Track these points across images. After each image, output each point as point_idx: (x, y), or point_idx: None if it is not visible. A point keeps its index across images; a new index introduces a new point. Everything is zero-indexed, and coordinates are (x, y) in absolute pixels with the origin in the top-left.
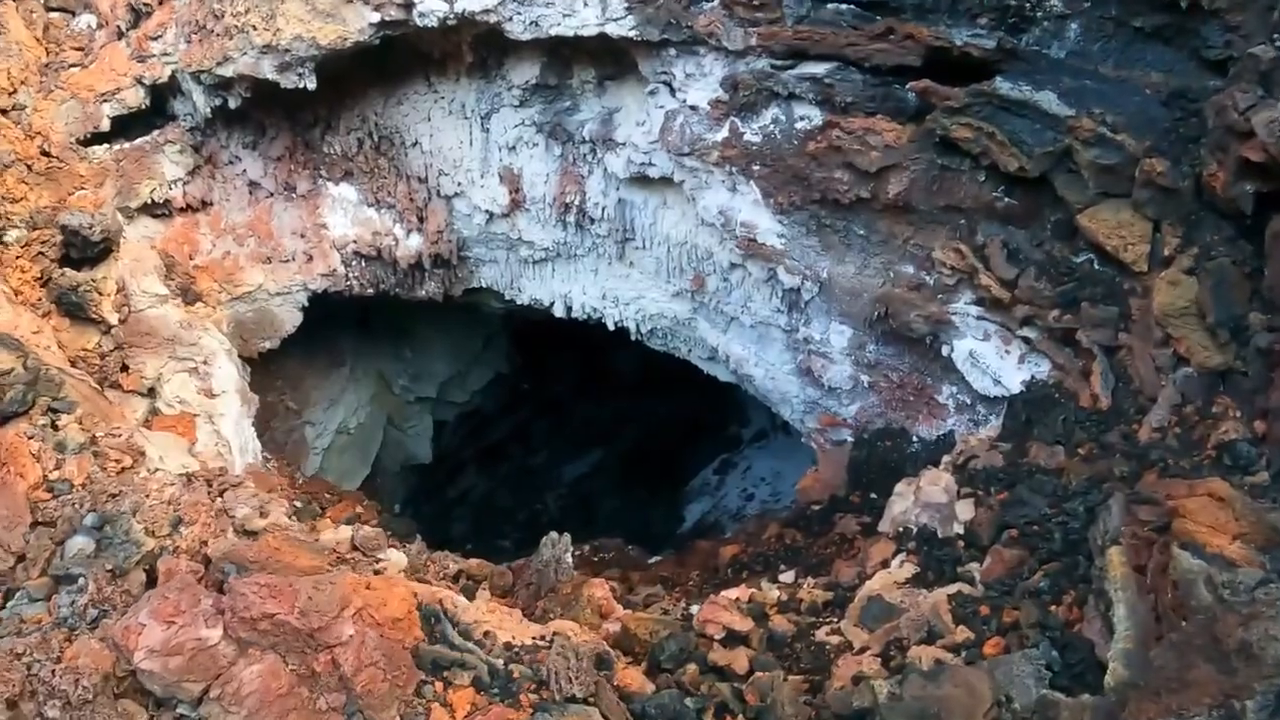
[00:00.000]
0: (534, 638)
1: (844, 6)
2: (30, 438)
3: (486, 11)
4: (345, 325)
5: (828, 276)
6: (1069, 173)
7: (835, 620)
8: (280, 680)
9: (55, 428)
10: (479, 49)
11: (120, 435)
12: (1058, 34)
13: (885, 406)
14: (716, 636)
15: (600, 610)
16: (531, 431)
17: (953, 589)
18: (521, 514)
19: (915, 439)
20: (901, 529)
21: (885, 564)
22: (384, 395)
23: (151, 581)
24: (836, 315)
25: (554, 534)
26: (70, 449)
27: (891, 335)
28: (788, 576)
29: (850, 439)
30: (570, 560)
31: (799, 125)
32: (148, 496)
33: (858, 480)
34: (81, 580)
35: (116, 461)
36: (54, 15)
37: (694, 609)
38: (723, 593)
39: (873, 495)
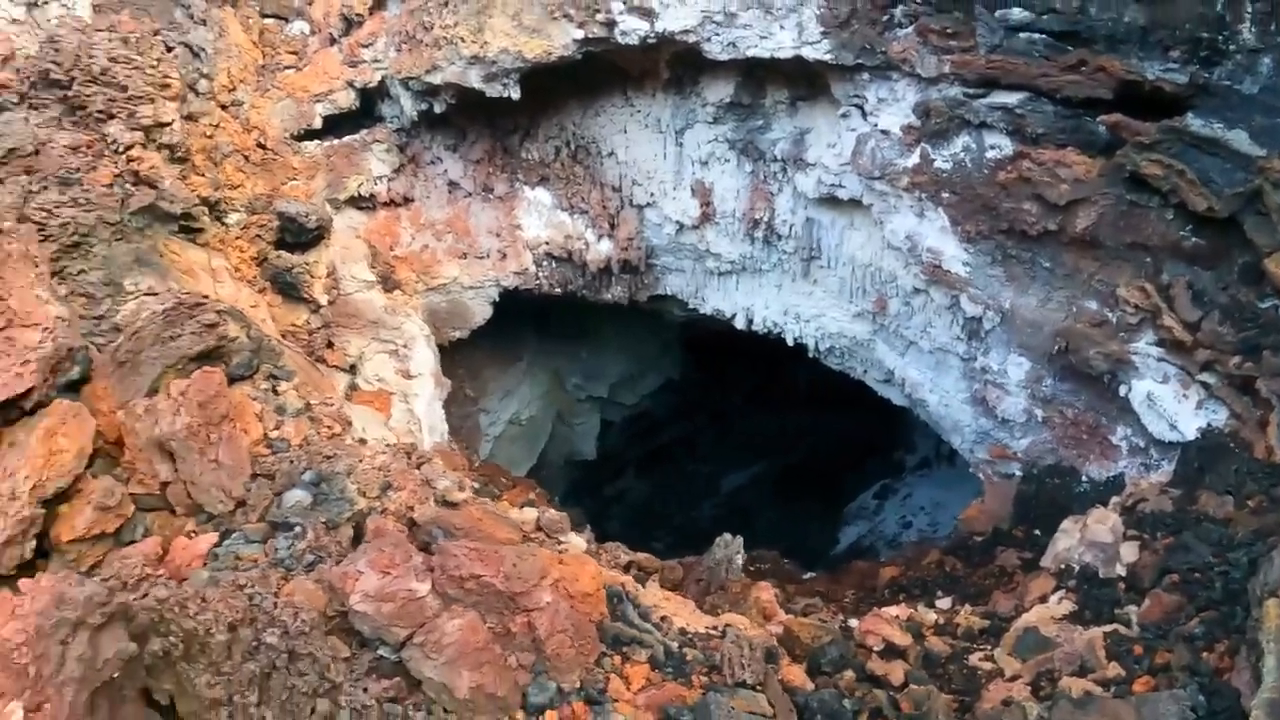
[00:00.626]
0: (707, 627)
1: (1037, 36)
2: (254, 399)
3: (686, 32)
4: (527, 321)
5: (1010, 307)
6: (1258, 215)
7: (989, 648)
8: (478, 635)
9: (276, 392)
10: (676, 66)
11: (332, 405)
12: (1250, 68)
13: (1057, 443)
14: (875, 648)
15: (765, 612)
16: (696, 439)
17: (1109, 628)
18: (677, 519)
19: (1085, 478)
20: (1064, 566)
21: (1044, 599)
22: (557, 391)
23: (358, 538)
24: (1016, 347)
25: (727, 535)
26: (289, 412)
27: (1070, 371)
28: (944, 603)
29: (1019, 473)
30: (740, 562)
31: (989, 154)
32: (360, 461)
33: (1023, 515)
34: (299, 528)
35: (329, 428)
36: (269, 21)
37: (852, 622)
38: (883, 609)
39: (1036, 531)
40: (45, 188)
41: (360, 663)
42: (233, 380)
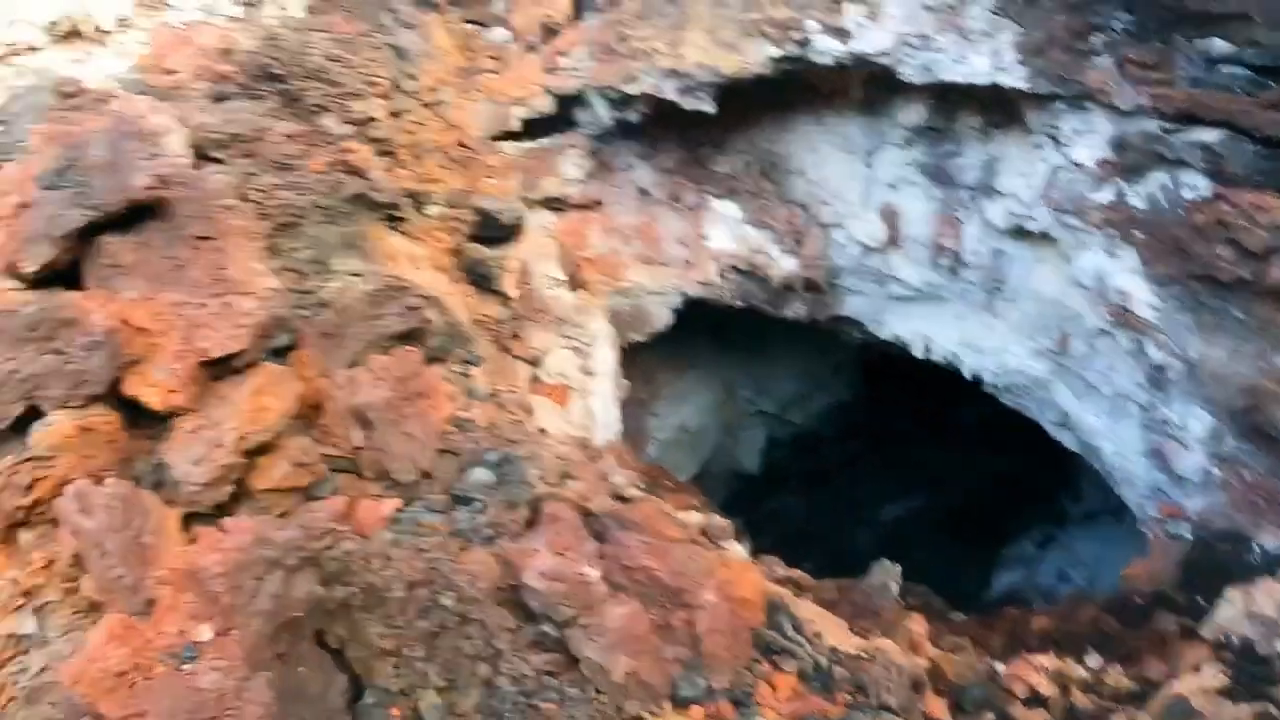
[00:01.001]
0: (858, 648)
1: (1238, 70)
2: (446, 380)
3: (881, 54)
4: (705, 331)
5: (1196, 357)
6: None
7: (1134, 711)
8: (640, 624)
9: (466, 376)
10: (868, 87)
11: (517, 393)
12: None
13: (1233, 507)
14: (1019, 695)
15: (913, 644)
16: (860, 464)
17: (1259, 706)
18: (830, 543)
19: (1257, 548)
20: (1222, 637)
21: (1197, 669)
22: (726, 403)
23: (533, 520)
24: (1199, 400)
25: (886, 561)
26: (477, 396)
27: (1254, 431)
28: (1094, 661)
29: (1188, 535)
30: (896, 590)
31: (1185, 194)
32: (542, 449)
33: (1188, 579)
34: (480, 504)
35: (513, 414)
36: (471, 27)
37: (998, 667)
38: (1032, 656)
39: (1198, 598)
40: (264, 171)
41: (524, 635)
42: (428, 361)
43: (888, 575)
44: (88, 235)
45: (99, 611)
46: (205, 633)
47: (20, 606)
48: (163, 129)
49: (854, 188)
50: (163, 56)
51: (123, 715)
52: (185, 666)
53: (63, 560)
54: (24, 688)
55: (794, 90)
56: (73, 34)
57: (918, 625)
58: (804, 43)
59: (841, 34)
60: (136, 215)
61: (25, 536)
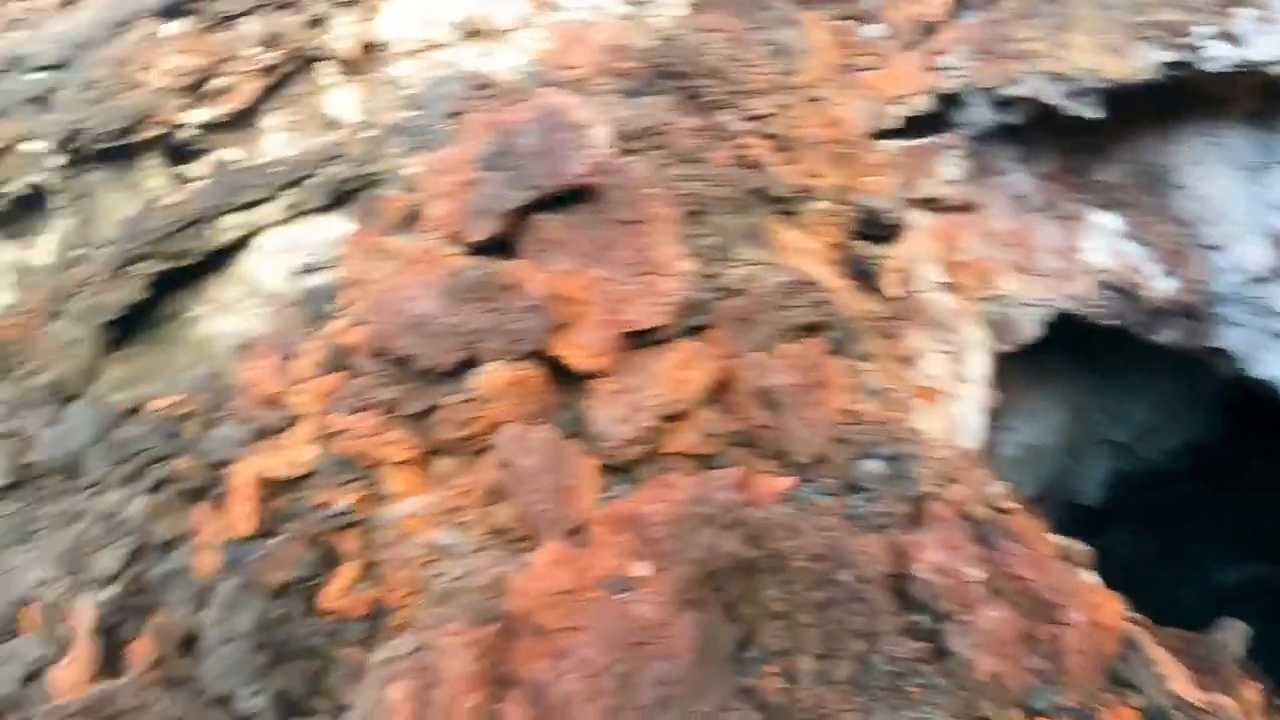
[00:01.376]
0: (1199, 699)
1: None
2: (844, 374)
3: (1274, 62)
4: (1065, 347)
5: None
6: None
7: None
8: (1008, 630)
9: (859, 371)
10: (1260, 98)
11: (900, 392)
12: None
13: None
14: None
15: (1246, 711)
16: (1205, 514)
17: None
18: (1155, 596)
19: None
20: None
21: None
22: (1074, 425)
23: (918, 516)
24: None
25: (1236, 621)
26: (868, 391)
27: None
28: None
29: None
30: (1241, 652)
31: None
32: (928, 449)
33: None
34: (872, 493)
35: (898, 412)
36: (847, 23)
37: None
38: None
39: None
40: (673, 163)
41: (901, 621)
42: (828, 353)
43: (1234, 635)
44: (523, 213)
45: (504, 535)
46: (642, 570)
47: (442, 523)
48: (587, 121)
49: (1240, 207)
50: (563, 53)
51: (561, 627)
52: (618, 595)
53: (481, 488)
54: (440, 590)
55: (1179, 98)
56: (477, 32)
57: (1253, 693)
58: (1193, 48)
59: (1232, 39)
60: (566, 197)
61: (444, 464)
